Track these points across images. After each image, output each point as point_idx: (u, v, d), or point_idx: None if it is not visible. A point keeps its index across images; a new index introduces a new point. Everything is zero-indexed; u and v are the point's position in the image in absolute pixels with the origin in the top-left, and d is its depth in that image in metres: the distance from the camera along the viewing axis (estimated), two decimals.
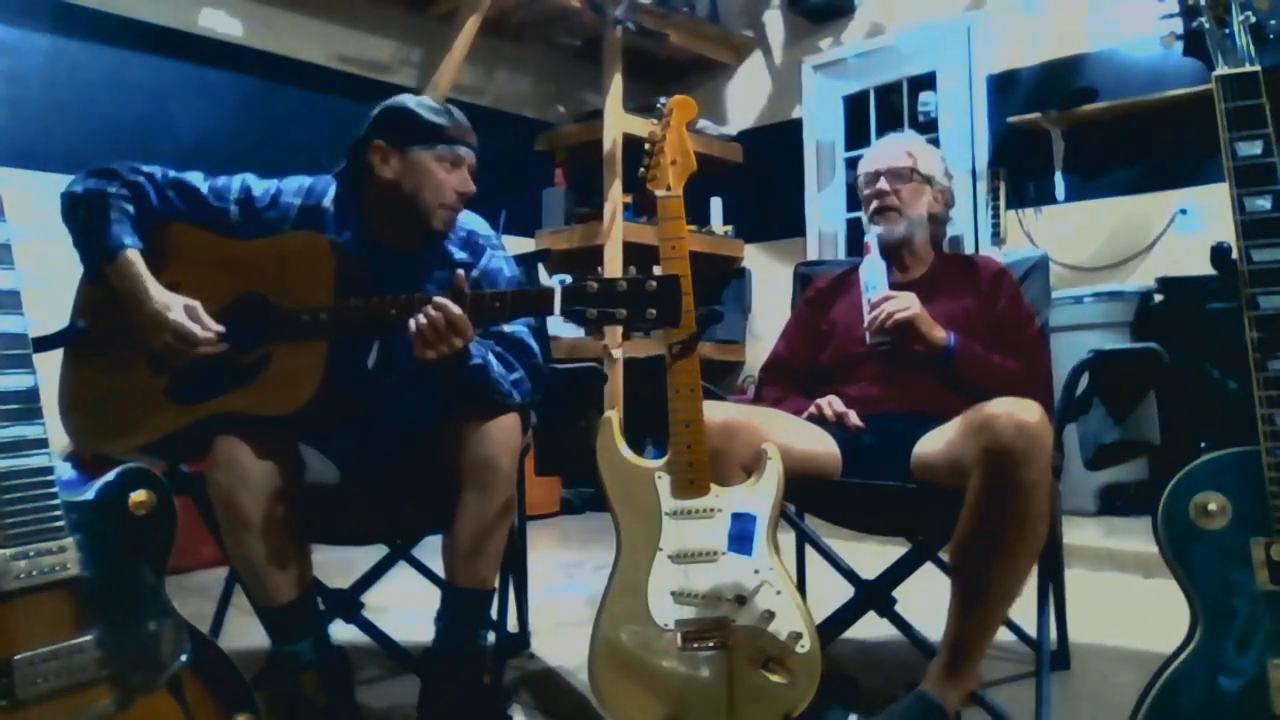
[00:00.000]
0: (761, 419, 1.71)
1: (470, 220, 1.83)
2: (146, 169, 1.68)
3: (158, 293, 1.56)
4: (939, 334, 1.77)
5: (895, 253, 2.00)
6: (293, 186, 1.76)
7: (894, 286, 2.00)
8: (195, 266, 1.66)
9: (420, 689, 1.67)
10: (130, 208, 1.63)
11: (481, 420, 1.60)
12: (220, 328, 1.55)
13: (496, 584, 1.71)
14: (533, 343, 1.77)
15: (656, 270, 1.44)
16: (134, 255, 1.58)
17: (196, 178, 1.72)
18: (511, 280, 1.81)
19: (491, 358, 1.65)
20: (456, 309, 1.47)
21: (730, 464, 1.59)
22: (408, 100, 1.72)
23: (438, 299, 1.47)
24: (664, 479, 1.54)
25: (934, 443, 1.67)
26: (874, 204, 1.98)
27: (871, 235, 1.93)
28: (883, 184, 1.97)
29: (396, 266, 1.71)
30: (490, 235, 1.84)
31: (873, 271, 1.86)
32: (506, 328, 1.72)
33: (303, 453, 1.76)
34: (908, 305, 1.77)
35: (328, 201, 1.74)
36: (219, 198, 1.71)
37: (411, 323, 1.48)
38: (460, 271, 1.51)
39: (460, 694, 1.61)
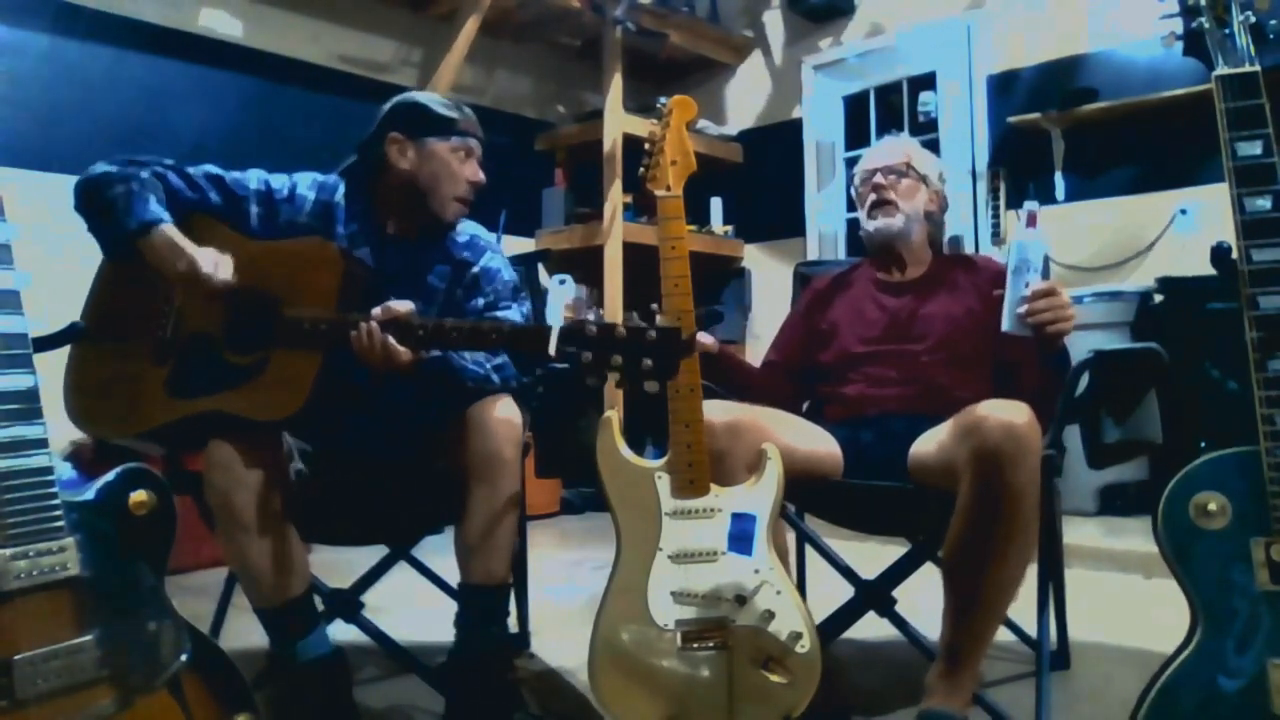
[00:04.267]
0: (766, 419, 1.71)
1: (473, 226, 1.89)
2: (170, 161, 1.70)
3: (193, 249, 1.56)
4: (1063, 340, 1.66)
5: (892, 249, 2.00)
6: (307, 180, 1.80)
7: (893, 286, 2.01)
8: None
9: (446, 695, 1.68)
10: (163, 193, 1.64)
11: (480, 415, 1.61)
12: (229, 277, 1.54)
13: (511, 578, 1.71)
14: (522, 310, 1.82)
15: (656, 311, 1.42)
16: (171, 228, 1.58)
17: (216, 169, 1.74)
18: (509, 282, 1.86)
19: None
20: (402, 353, 1.48)
21: (735, 464, 1.59)
22: (419, 95, 1.77)
23: (388, 338, 1.48)
24: (664, 479, 1.54)
25: (927, 444, 1.67)
26: (871, 198, 1.99)
27: (1035, 205, 1.77)
28: (879, 179, 1.98)
29: (401, 258, 1.76)
30: (490, 240, 1.89)
31: (1034, 250, 1.58)
32: (499, 312, 1.78)
33: (302, 453, 1.77)
34: (1072, 317, 1.58)
35: (339, 196, 1.79)
36: (240, 188, 1.74)
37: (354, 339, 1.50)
38: (395, 303, 1.52)
39: (488, 695, 1.61)
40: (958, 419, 1.56)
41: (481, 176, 1.79)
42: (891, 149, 2.04)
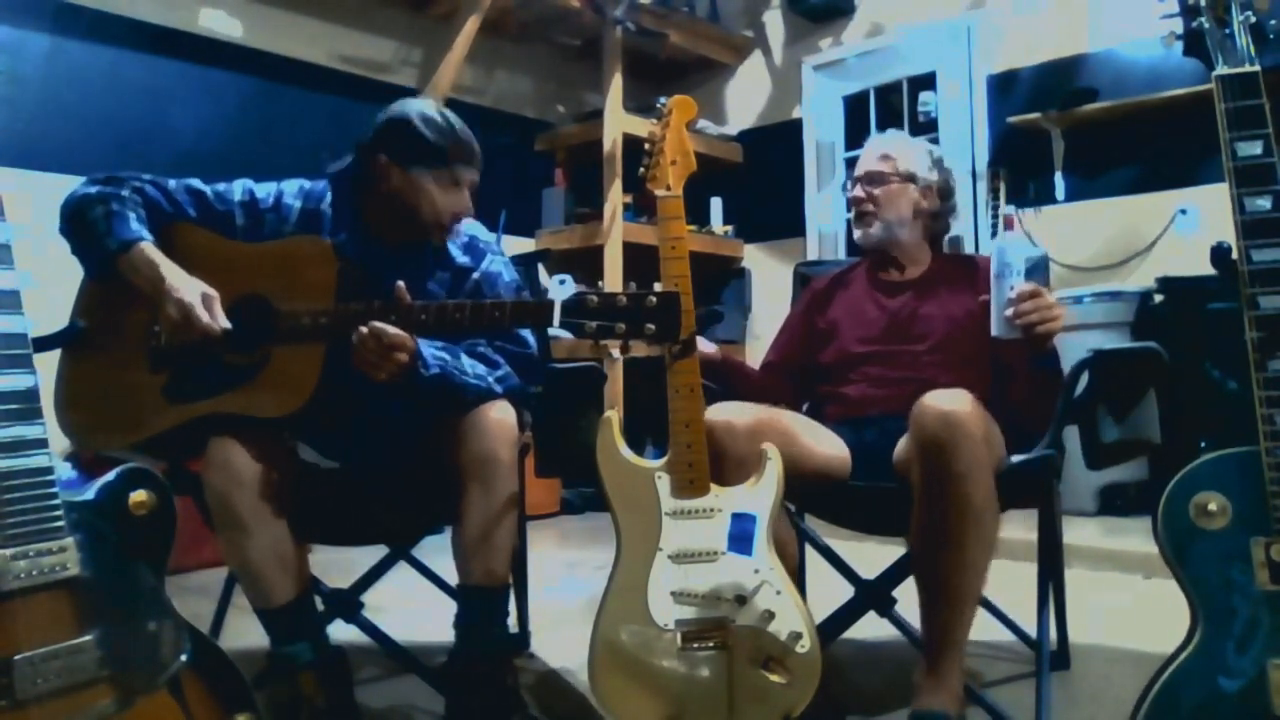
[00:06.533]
0: (788, 420, 1.71)
1: (471, 226, 1.86)
2: (148, 176, 1.70)
3: (177, 273, 1.56)
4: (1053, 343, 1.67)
5: (885, 253, 2.00)
6: (293, 189, 1.77)
7: (892, 286, 2.01)
8: (199, 268, 1.65)
9: (445, 696, 1.67)
10: (142, 209, 1.64)
11: (476, 416, 1.61)
12: (226, 324, 1.54)
13: (511, 578, 1.71)
14: (526, 333, 1.79)
15: (657, 287, 1.44)
16: (150, 246, 1.59)
17: (198, 183, 1.74)
18: (510, 284, 1.84)
19: (464, 360, 1.66)
20: (393, 330, 1.47)
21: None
22: (412, 113, 1.69)
23: (374, 324, 1.47)
24: (664, 479, 1.54)
25: (902, 442, 1.67)
26: (853, 210, 2.00)
27: (1012, 209, 1.77)
28: (858, 190, 1.98)
29: (397, 266, 1.71)
30: (490, 241, 1.87)
31: (1014, 253, 1.58)
32: None
33: (302, 453, 1.77)
34: (1060, 316, 1.58)
35: (325, 205, 1.77)
36: (223, 201, 1.73)
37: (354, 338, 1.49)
38: (400, 283, 1.51)
39: (487, 697, 1.61)
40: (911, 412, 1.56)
41: (467, 206, 1.75)
42: (869, 154, 2.01)
